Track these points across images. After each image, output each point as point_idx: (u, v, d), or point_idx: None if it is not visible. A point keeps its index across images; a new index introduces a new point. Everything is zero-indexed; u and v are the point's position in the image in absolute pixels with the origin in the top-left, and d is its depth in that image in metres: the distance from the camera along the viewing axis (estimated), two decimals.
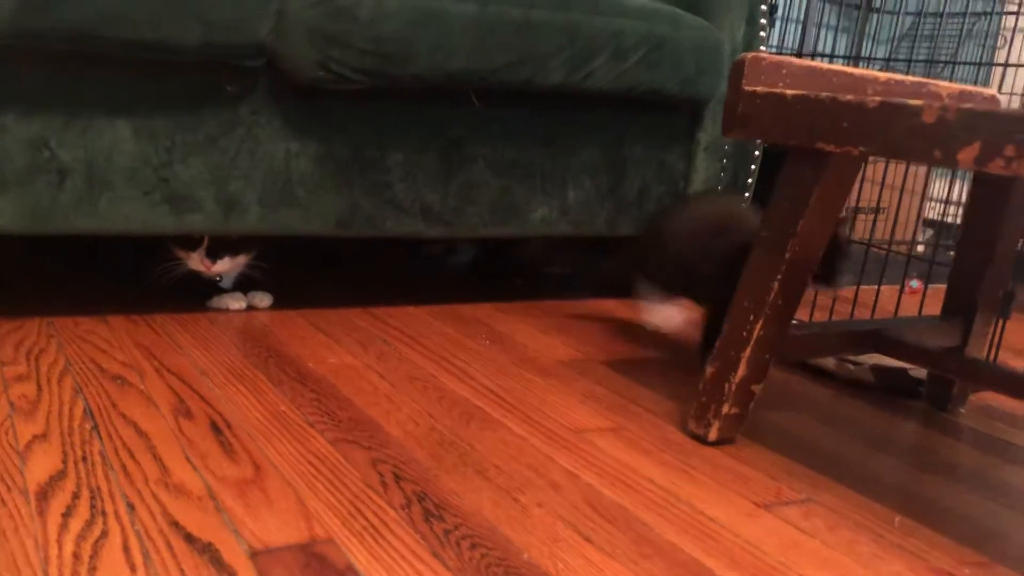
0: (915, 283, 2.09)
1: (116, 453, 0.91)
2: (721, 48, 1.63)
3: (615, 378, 1.31)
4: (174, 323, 1.35)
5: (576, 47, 1.45)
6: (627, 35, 1.50)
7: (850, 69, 1.13)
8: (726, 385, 1.07)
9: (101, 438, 0.94)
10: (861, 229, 1.76)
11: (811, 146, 0.96)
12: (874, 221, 1.75)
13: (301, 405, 1.09)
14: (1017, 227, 1.25)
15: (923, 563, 0.86)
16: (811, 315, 1.70)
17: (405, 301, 1.62)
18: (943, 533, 0.93)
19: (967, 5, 1.98)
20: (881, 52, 3.12)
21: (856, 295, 1.66)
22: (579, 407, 1.18)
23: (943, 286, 1.32)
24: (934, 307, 1.38)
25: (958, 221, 2.75)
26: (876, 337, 1.20)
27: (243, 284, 1.49)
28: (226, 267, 1.43)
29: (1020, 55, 2.86)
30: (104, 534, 0.76)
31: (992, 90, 1.28)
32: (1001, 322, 1.36)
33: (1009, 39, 2.93)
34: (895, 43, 3.14)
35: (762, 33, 1.71)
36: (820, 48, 2.73)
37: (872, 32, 3.08)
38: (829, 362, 1.45)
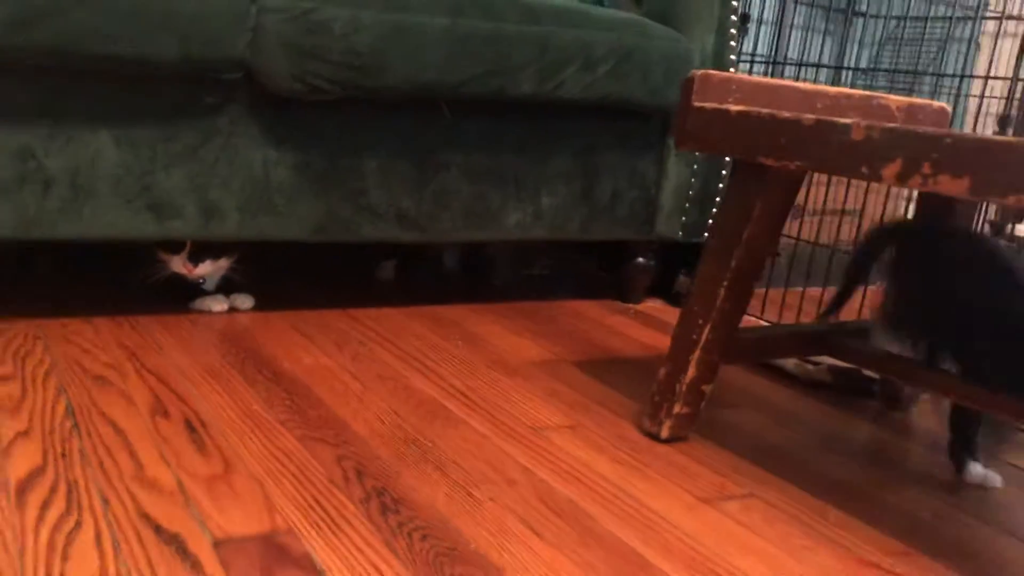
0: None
1: (94, 450, 0.96)
2: (690, 58, 1.68)
3: (580, 378, 1.37)
4: (157, 324, 1.41)
5: (546, 59, 1.51)
6: (596, 46, 1.55)
7: (800, 84, 1.18)
8: (677, 385, 1.12)
9: (80, 436, 0.99)
10: (827, 231, 1.81)
11: (753, 160, 1.02)
12: (839, 224, 1.81)
13: (274, 404, 1.14)
14: None
15: (851, 554, 0.92)
16: (780, 315, 1.75)
17: (384, 303, 1.68)
18: (875, 526, 0.99)
19: (953, 11, 2.01)
20: (864, 56, 3.17)
21: (822, 296, 1.72)
22: (541, 406, 1.24)
23: None
24: None
25: None
26: (824, 339, 1.25)
27: (226, 286, 1.54)
28: (208, 270, 1.48)
29: (998, 60, 2.91)
30: (78, 525, 0.81)
31: (942, 103, 1.34)
32: None
33: (993, 44, 2.98)
34: (878, 47, 3.19)
35: (732, 43, 1.76)
36: (802, 53, 2.78)
37: (856, 36, 3.13)
38: (790, 363, 1.51)
